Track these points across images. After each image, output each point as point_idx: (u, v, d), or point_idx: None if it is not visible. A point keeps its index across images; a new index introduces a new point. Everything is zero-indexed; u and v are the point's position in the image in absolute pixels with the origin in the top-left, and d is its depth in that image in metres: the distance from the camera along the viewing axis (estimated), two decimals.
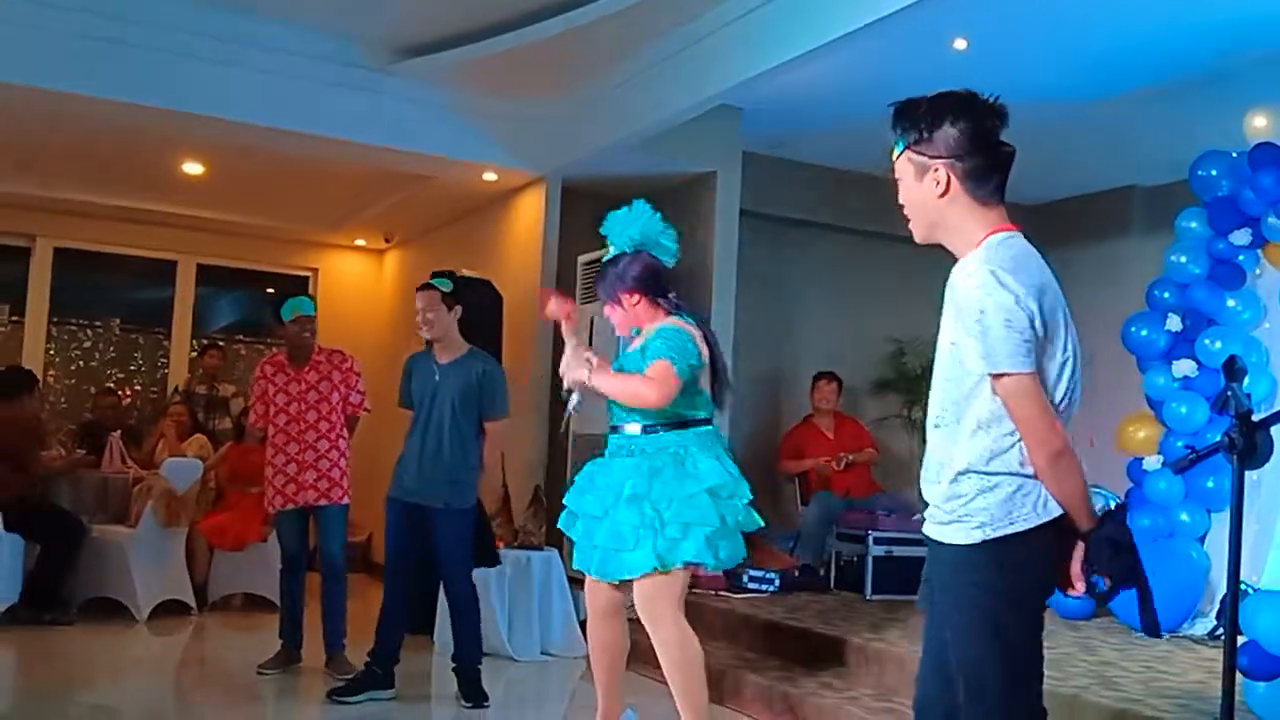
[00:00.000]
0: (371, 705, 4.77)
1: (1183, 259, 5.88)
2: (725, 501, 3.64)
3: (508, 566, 5.94)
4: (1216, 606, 5.46)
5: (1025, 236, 2.33)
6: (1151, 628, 2.39)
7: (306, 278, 10.41)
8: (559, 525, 3.92)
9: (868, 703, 4.46)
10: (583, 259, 7.10)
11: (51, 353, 9.57)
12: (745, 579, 6.65)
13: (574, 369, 3.68)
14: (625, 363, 3.79)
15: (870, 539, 6.52)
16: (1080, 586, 2.24)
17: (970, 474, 2.22)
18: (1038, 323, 2.17)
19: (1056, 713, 3.90)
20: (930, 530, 2.33)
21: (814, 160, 7.76)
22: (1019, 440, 2.19)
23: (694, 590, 6.52)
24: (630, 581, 3.69)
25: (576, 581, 6.40)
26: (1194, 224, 5.91)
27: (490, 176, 7.53)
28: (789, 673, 5.00)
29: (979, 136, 2.27)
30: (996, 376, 2.16)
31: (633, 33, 5.92)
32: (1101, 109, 6.40)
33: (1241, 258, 5.72)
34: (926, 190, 2.29)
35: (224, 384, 8.78)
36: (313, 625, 5.38)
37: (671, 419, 3.67)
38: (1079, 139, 7.04)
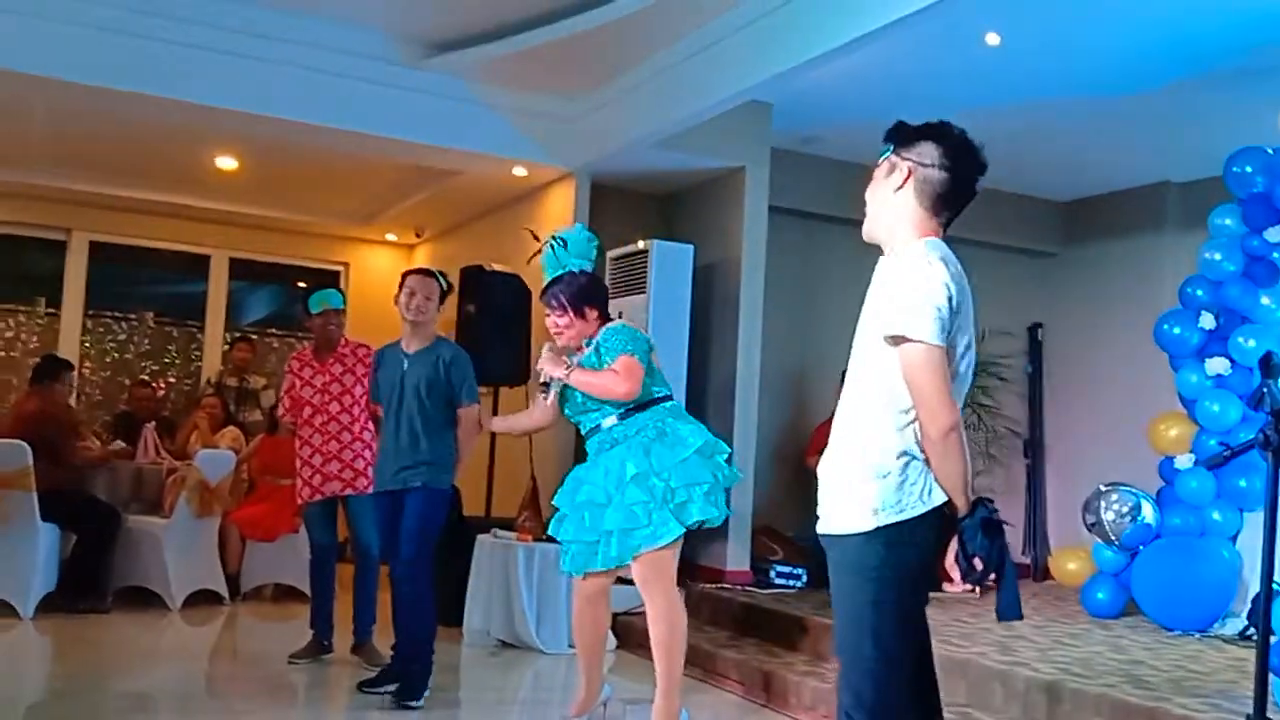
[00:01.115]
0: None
1: (1216, 256, 5.83)
2: (711, 460, 3.93)
3: (535, 559, 5.97)
4: (1248, 606, 5.42)
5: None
6: (1011, 608, 2.43)
7: (338, 272, 10.48)
8: (549, 531, 4.16)
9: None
10: (612, 254, 7.11)
11: (87, 345, 9.69)
12: (773, 574, 6.66)
13: (553, 366, 4.03)
14: (585, 363, 4.05)
15: None
16: (956, 577, 2.34)
17: (866, 460, 2.33)
18: (954, 304, 2.29)
19: (1084, 710, 3.91)
20: (821, 524, 2.44)
21: (843, 156, 7.73)
22: (914, 420, 2.30)
23: (720, 585, 6.55)
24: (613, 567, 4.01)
25: None
26: (1228, 221, 5.86)
27: (520, 172, 7.56)
28: (817, 667, 5.01)
29: (952, 161, 2.41)
30: (905, 341, 2.26)
31: (663, 28, 5.93)
32: (1135, 104, 6.35)
33: (1276, 255, 5.67)
34: (889, 183, 2.46)
35: (254, 376, 8.86)
36: (342, 616, 5.43)
37: (641, 401, 3.96)
38: (1112, 135, 6.99)
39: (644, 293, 6.71)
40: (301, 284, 10.77)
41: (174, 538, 6.63)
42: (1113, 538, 5.79)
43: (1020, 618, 2.45)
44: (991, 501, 2.35)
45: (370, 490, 5.37)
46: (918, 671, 2.41)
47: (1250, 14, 5.14)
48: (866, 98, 6.28)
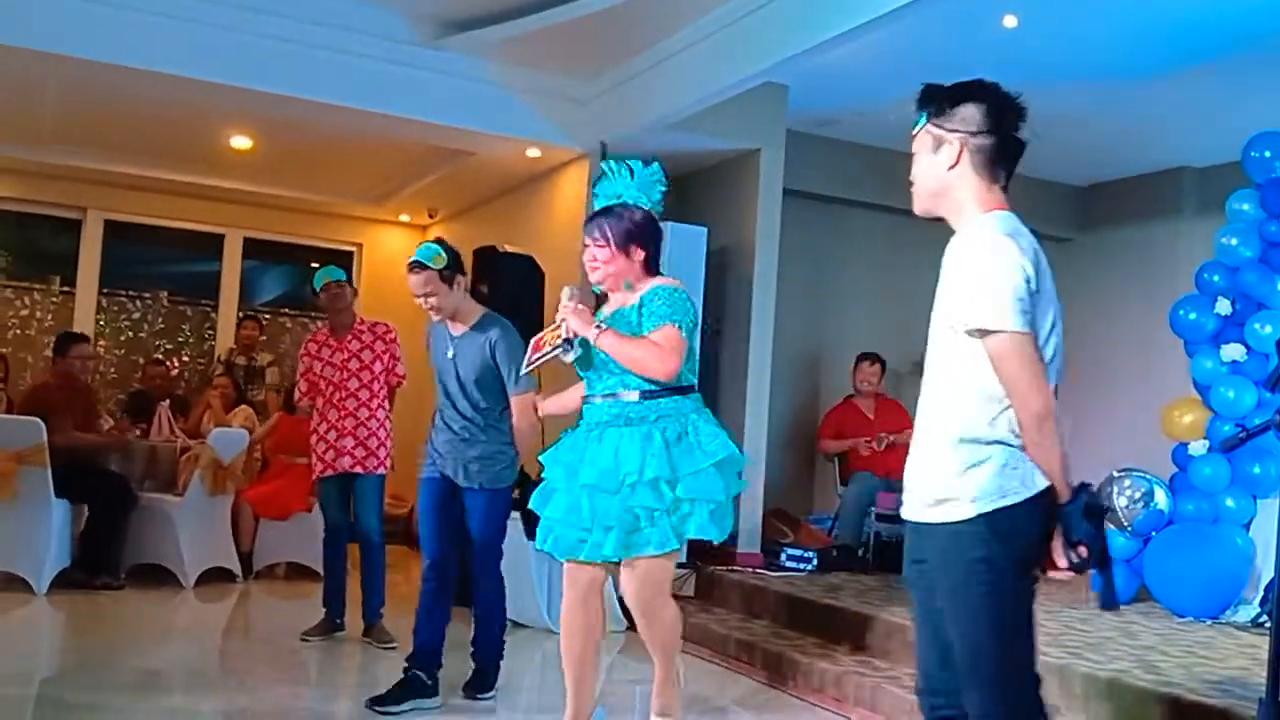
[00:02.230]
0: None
1: (1233, 241, 5.79)
2: (726, 474, 3.47)
3: None
4: (1261, 594, 5.40)
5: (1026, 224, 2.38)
6: (1113, 600, 2.42)
7: (351, 252, 10.50)
8: (530, 505, 3.62)
9: (906, 682, 4.46)
10: None
11: (101, 324, 9.73)
12: (783, 557, 6.67)
13: (581, 322, 3.46)
14: (615, 321, 3.50)
15: None
16: (1062, 563, 2.28)
17: (965, 445, 2.27)
18: (1033, 285, 2.22)
19: (1096, 696, 3.91)
20: (915, 513, 2.38)
21: (859, 139, 7.69)
22: (1008, 409, 2.23)
23: (730, 568, 6.56)
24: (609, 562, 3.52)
25: None
26: (1246, 206, 5.82)
27: (534, 152, 7.54)
28: (828, 650, 5.02)
29: (997, 121, 2.34)
30: (990, 334, 2.20)
31: (678, 8, 5.90)
32: (1153, 88, 6.31)
33: None
34: (939, 161, 2.36)
35: (261, 354, 8.88)
36: (355, 595, 5.46)
37: (670, 384, 3.44)
38: (1130, 119, 6.94)
39: (658, 274, 6.68)
40: (315, 264, 10.79)
41: (187, 516, 6.66)
42: (1125, 524, 5.76)
43: (1118, 607, 2.43)
44: (1092, 486, 2.30)
45: (380, 471, 5.40)
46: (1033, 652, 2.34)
47: None
48: (883, 80, 6.24)
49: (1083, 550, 2.24)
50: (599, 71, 6.89)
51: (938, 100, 2.38)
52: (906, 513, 2.41)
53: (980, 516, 2.22)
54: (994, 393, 2.24)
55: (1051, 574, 2.33)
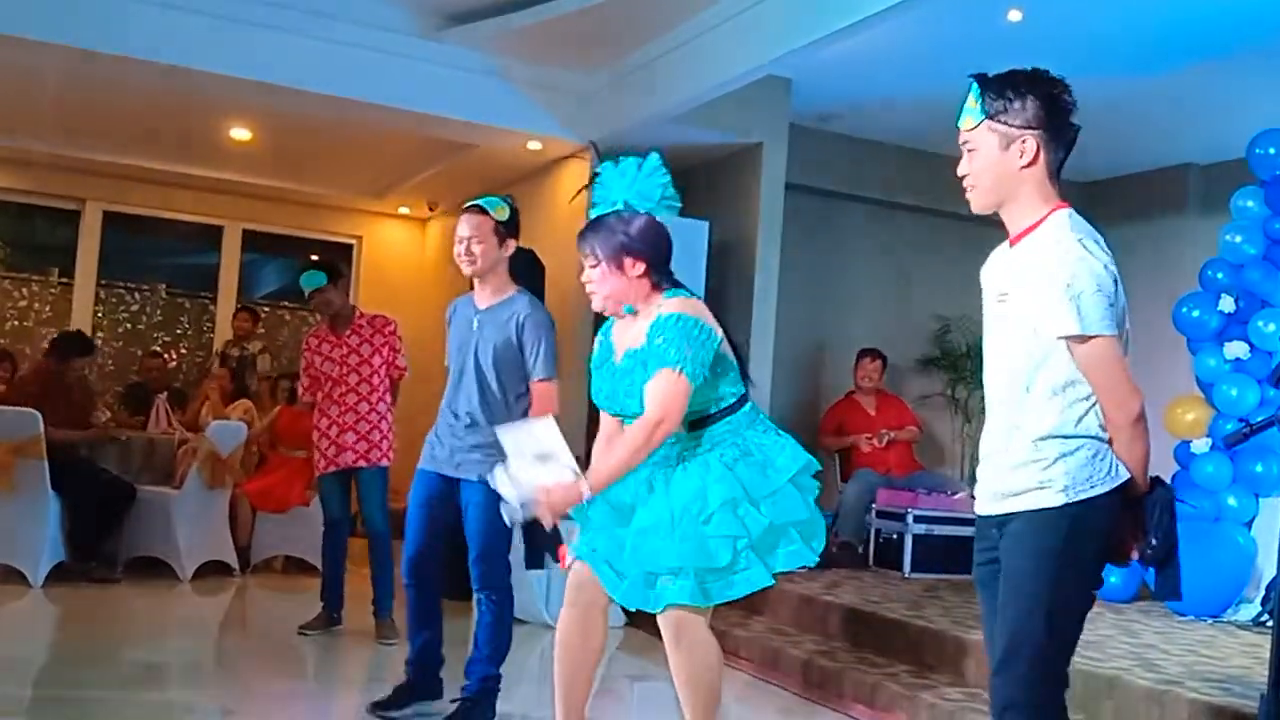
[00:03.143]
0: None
1: (1238, 239, 5.76)
2: (809, 486, 3.05)
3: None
4: (1262, 592, 5.39)
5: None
6: (1173, 589, 2.44)
7: (350, 245, 10.47)
8: (579, 556, 3.12)
9: (906, 679, 4.45)
10: None
11: (99, 315, 9.71)
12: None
13: (566, 496, 2.96)
14: (626, 368, 3.06)
15: (910, 517, 6.48)
16: (1134, 553, 2.32)
17: (1051, 439, 2.27)
18: (1117, 285, 2.26)
19: (1097, 692, 3.88)
20: (993, 506, 2.36)
21: (862, 134, 7.67)
22: (1095, 404, 2.26)
23: None
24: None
25: None
26: (1250, 203, 5.79)
27: (535, 145, 7.52)
28: (826, 646, 5.00)
29: (1057, 111, 2.33)
30: (1083, 340, 2.21)
31: (681, 2, 5.87)
32: (1158, 84, 6.28)
33: None
34: (1010, 160, 2.32)
35: (253, 343, 8.83)
36: (353, 590, 5.44)
37: (704, 413, 3.02)
38: (1135, 115, 6.91)
39: None
40: (314, 257, 10.76)
41: (185, 509, 6.65)
42: None
43: (1180, 597, 2.44)
44: (1166, 481, 2.34)
45: (382, 464, 5.37)
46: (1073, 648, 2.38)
47: None
48: (887, 75, 6.21)
49: (1154, 542, 2.29)
50: (601, 64, 6.86)
51: (1001, 94, 2.32)
52: (983, 508, 2.41)
53: (1067, 505, 2.25)
54: (1080, 392, 2.27)
55: (1119, 563, 2.38)
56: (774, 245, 6.96)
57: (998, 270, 2.44)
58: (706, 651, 3.01)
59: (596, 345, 3.24)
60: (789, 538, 2.96)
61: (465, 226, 3.94)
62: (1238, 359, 5.66)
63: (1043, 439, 2.28)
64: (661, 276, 3.11)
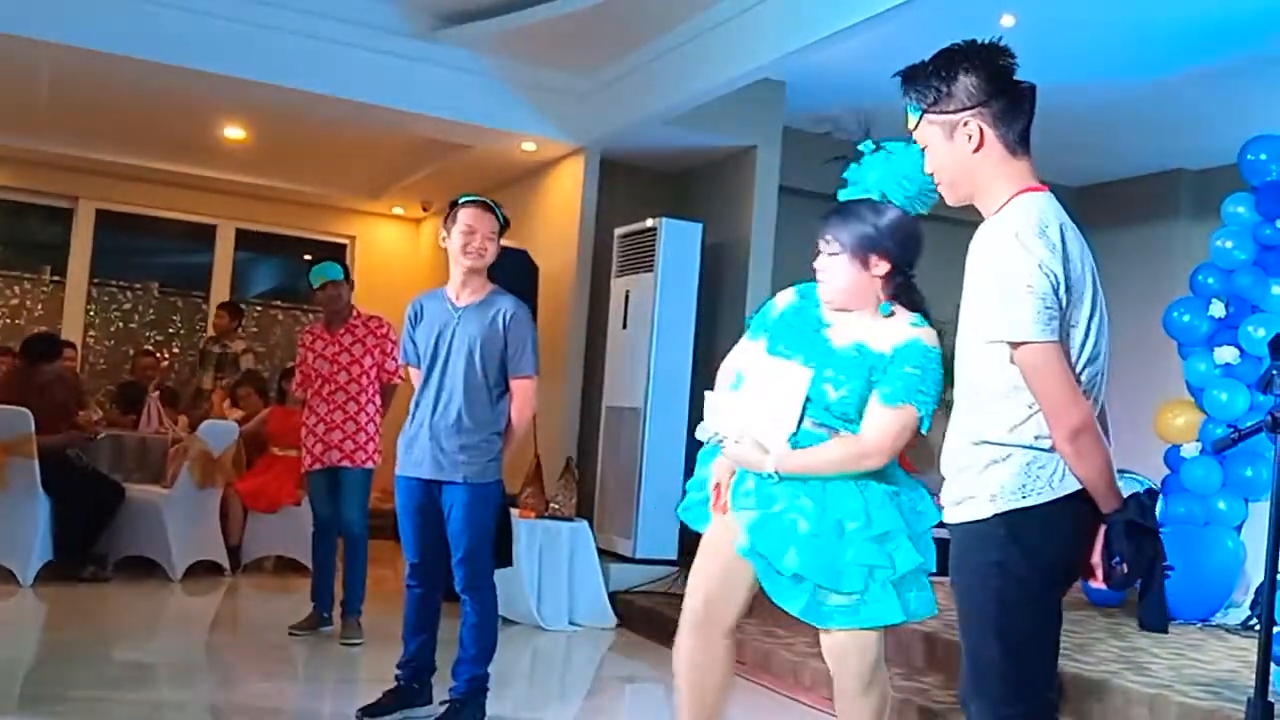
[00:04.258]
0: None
1: (1228, 244, 5.78)
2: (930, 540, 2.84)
3: (537, 535, 5.97)
4: (1250, 596, 5.40)
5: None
6: (1155, 622, 2.31)
7: (344, 245, 10.47)
8: (741, 553, 2.76)
9: (898, 681, 4.45)
10: (620, 231, 7.08)
11: (91, 314, 9.69)
12: None
13: (748, 457, 2.75)
14: (851, 357, 2.74)
15: None
16: (1099, 575, 2.10)
17: (984, 445, 2.11)
18: (1061, 289, 2.03)
19: (1085, 697, 3.90)
20: (947, 514, 2.22)
21: (856, 137, 7.67)
22: (1038, 412, 2.06)
23: None
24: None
25: (605, 553, 6.45)
26: (1241, 209, 5.81)
27: (529, 147, 7.52)
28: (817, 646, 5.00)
29: (997, 77, 2.15)
30: (1015, 345, 2.03)
31: (676, 4, 5.88)
32: (1151, 90, 6.30)
33: None
34: (959, 148, 2.15)
35: (235, 341, 8.79)
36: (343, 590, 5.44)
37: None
38: (1127, 120, 6.94)
39: (652, 271, 6.68)
40: (307, 256, 10.75)
41: (176, 508, 6.63)
42: None
43: (1164, 630, 2.27)
44: (1150, 499, 2.12)
45: (367, 465, 5.36)
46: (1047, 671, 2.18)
47: (1266, 2, 5.08)
48: (881, 78, 6.20)
49: (1124, 567, 2.06)
50: (596, 66, 6.87)
51: (929, 84, 2.17)
52: (945, 516, 2.26)
53: (997, 516, 2.07)
54: (1025, 399, 2.07)
55: (1092, 582, 2.15)
56: (768, 247, 6.97)
57: None
58: (887, 695, 2.81)
59: (793, 302, 2.91)
60: (924, 583, 2.81)
61: (479, 221, 3.90)
62: (1228, 364, 5.68)
63: (977, 444, 2.11)
64: (903, 281, 2.83)
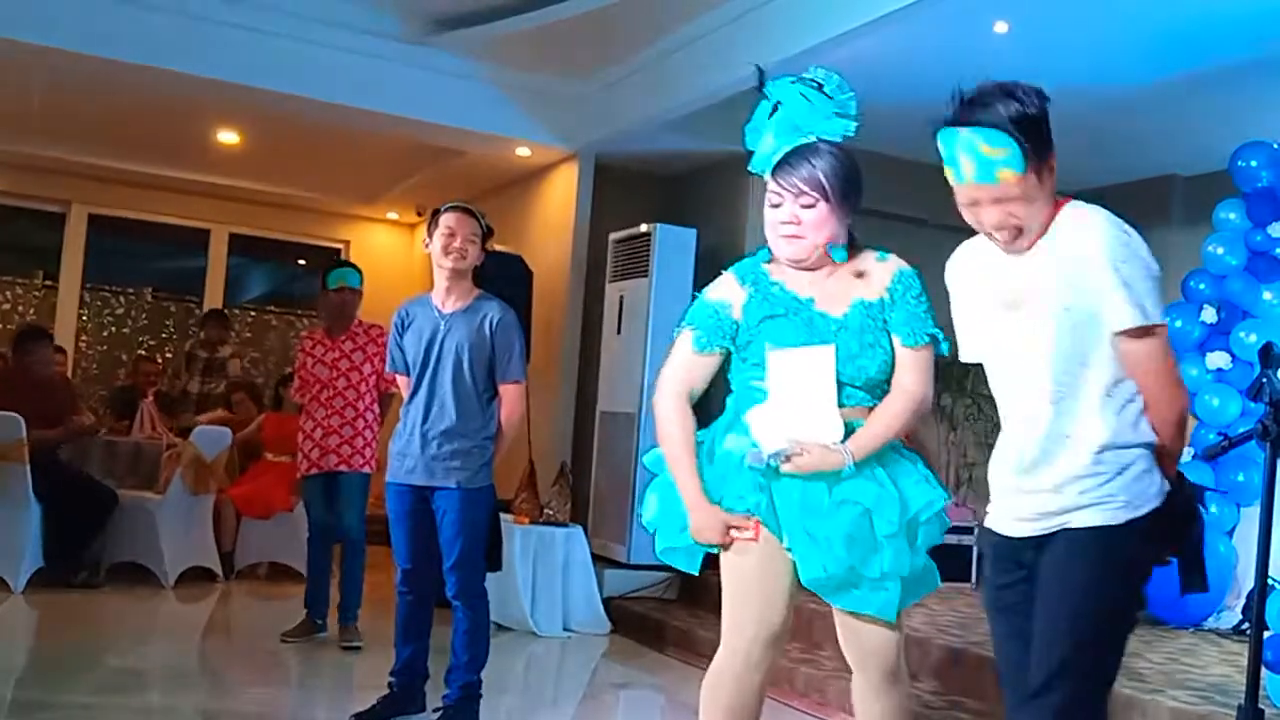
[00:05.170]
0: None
1: (1220, 250, 5.81)
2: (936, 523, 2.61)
3: (532, 541, 5.97)
4: (1243, 601, 5.42)
5: None
6: (1200, 585, 2.32)
7: (338, 250, 10.46)
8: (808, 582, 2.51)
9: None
10: (614, 236, 7.09)
11: (84, 319, 9.67)
12: None
13: (824, 460, 2.44)
14: (855, 317, 2.54)
15: None
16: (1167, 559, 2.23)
17: (1111, 449, 2.12)
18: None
19: None
20: (1030, 526, 2.19)
21: (851, 143, 7.68)
22: (1141, 405, 2.14)
23: (716, 571, 6.54)
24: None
25: (600, 559, 6.45)
26: (1233, 215, 5.84)
27: (524, 152, 7.53)
28: (811, 654, 5.01)
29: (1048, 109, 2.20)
30: (1145, 332, 2.08)
31: (670, 9, 5.89)
32: (1142, 96, 6.31)
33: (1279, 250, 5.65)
34: (1047, 188, 2.16)
35: (223, 346, 8.76)
36: (338, 596, 5.42)
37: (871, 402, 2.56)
38: (1119, 126, 6.95)
39: (646, 276, 6.69)
40: (301, 261, 10.78)
41: (168, 514, 6.62)
42: None
43: (1206, 589, 2.31)
44: (1188, 490, 2.23)
45: (364, 470, 5.37)
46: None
47: (1259, 7, 5.11)
48: (875, 84, 6.21)
49: (1185, 550, 2.22)
50: (590, 72, 6.88)
51: (1039, 135, 2.13)
52: (1014, 528, 2.22)
53: (1131, 522, 2.11)
54: (1127, 392, 2.13)
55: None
56: (762, 253, 6.98)
57: (1000, 274, 2.24)
58: (907, 682, 2.66)
59: (749, 293, 2.64)
60: (933, 567, 2.61)
61: (459, 224, 3.90)
62: (1219, 369, 5.70)
63: (1102, 450, 2.11)
64: (850, 223, 2.63)
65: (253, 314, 10.28)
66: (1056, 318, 2.13)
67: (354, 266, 5.69)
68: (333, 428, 5.33)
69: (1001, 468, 2.28)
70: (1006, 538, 2.26)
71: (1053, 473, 2.16)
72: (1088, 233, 2.13)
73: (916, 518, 2.50)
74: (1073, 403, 2.14)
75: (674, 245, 6.72)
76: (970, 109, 2.14)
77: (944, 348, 2.54)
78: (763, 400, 2.54)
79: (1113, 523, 2.11)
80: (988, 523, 2.32)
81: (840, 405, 2.49)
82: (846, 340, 2.51)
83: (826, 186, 2.55)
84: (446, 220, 3.90)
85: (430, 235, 3.93)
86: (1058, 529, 2.16)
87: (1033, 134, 2.11)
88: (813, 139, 2.66)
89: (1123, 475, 2.12)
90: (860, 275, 2.58)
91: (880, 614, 2.51)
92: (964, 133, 2.12)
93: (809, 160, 2.60)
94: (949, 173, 2.18)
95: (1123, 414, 2.13)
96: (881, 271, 2.59)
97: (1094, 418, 2.13)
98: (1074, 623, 2.12)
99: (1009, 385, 2.26)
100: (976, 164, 2.11)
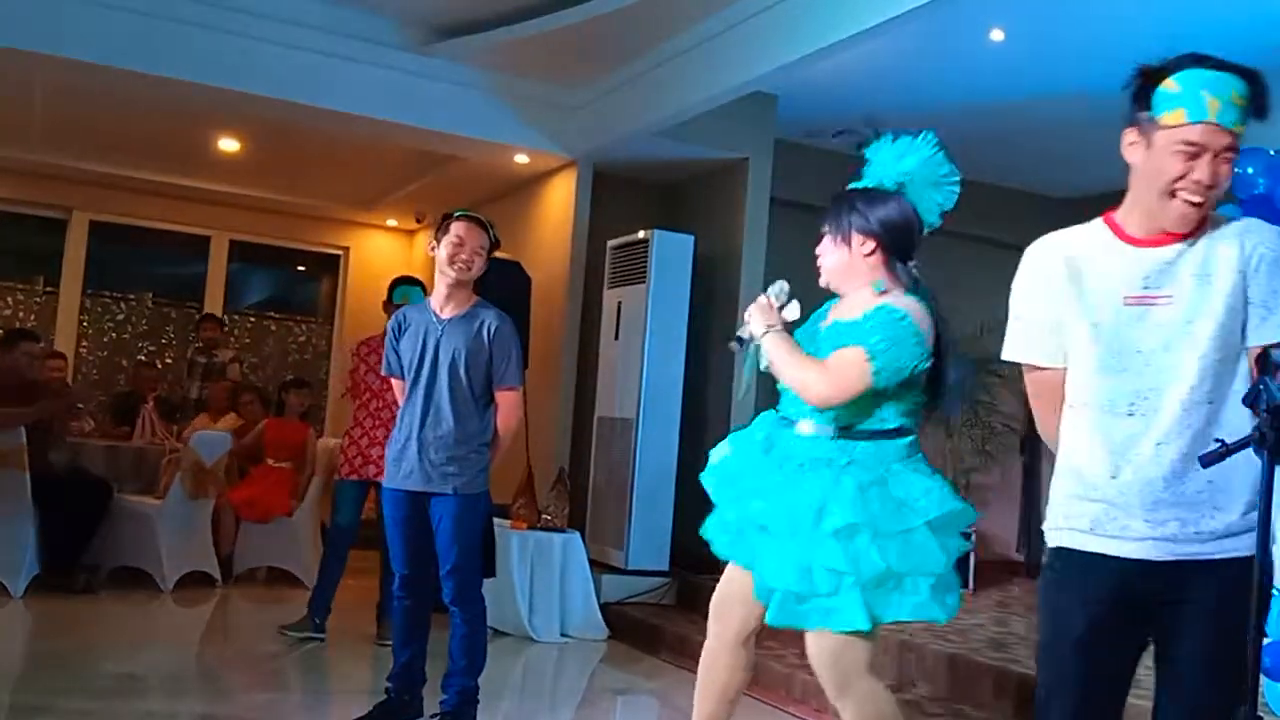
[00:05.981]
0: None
1: None
2: (950, 537, 2.70)
3: (529, 547, 5.97)
4: None
5: None
6: None
7: (338, 256, 10.48)
8: (706, 535, 2.94)
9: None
10: (612, 243, 7.11)
11: (85, 325, 9.69)
12: None
13: (760, 316, 2.95)
14: (831, 335, 2.86)
15: None
16: None
17: (1245, 470, 1.92)
18: None
19: None
20: (1185, 549, 2.00)
21: (847, 150, 7.70)
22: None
23: (715, 576, 6.55)
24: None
25: (597, 564, 6.46)
26: None
27: (522, 159, 7.55)
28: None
29: None
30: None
31: (668, 17, 5.91)
32: None
33: None
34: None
35: (222, 350, 8.78)
36: (342, 603, 5.44)
37: (863, 428, 2.74)
38: (1115, 132, 6.93)
39: (644, 283, 6.70)
40: (301, 267, 10.80)
41: (167, 519, 6.62)
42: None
43: None
44: None
45: None
46: None
47: (1254, 15, 5.13)
48: (873, 91, 6.26)
49: None
50: (588, 79, 6.90)
51: (1248, 120, 2.08)
52: (1155, 551, 2.02)
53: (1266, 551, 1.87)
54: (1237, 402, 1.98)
55: None
56: (759, 259, 6.99)
57: (1132, 267, 2.14)
58: (879, 707, 2.70)
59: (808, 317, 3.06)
60: (913, 588, 2.64)
61: (468, 234, 3.91)
62: None
63: (1237, 469, 1.92)
64: (896, 262, 2.85)
65: (252, 319, 10.29)
66: (1217, 317, 2.02)
67: (421, 285, 5.70)
68: (378, 439, 5.30)
69: (1133, 479, 2.04)
70: (1140, 561, 2.03)
71: (1209, 489, 2.00)
72: (1265, 233, 2.08)
73: (848, 532, 2.61)
74: (1219, 409, 2.02)
75: (671, 251, 6.74)
76: (1222, 63, 2.09)
77: (877, 379, 2.67)
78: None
79: (1251, 552, 1.87)
80: (1069, 542, 2.11)
81: (818, 419, 2.76)
82: (827, 350, 2.80)
83: (832, 224, 3.04)
84: (457, 229, 3.91)
85: (438, 240, 3.93)
86: (1216, 555, 1.98)
87: (1254, 114, 2.07)
88: (877, 186, 2.97)
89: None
90: (868, 302, 2.82)
91: (790, 623, 2.73)
92: (1221, 74, 2.07)
93: (838, 201, 3.03)
94: (1178, 114, 2.08)
95: (1245, 425, 1.90)
96: (856, 307, 2.85)
97: (1241, 421, 1.93)
98: (1234, 670, 1.90)
99: (1128, 386, 2.06)
100: (1225, 105, 2.04)
